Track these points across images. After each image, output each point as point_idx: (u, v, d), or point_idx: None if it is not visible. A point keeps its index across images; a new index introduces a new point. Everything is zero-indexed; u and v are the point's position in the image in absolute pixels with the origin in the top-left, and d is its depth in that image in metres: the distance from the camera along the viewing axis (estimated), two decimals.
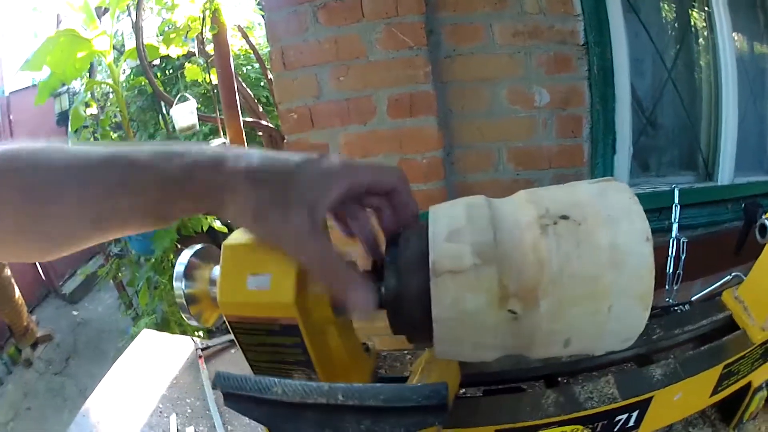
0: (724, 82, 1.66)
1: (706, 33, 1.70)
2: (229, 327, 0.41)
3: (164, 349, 1.31)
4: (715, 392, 0.64)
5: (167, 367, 1.24)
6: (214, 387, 0.35)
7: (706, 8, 1.66)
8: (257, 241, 0.37)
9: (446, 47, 1.40)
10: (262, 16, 1.59)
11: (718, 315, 0.71)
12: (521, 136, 1.46)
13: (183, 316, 0.45)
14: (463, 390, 0.67)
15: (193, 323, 0.45)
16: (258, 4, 2.42)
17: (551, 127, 1.46)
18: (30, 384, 3.38)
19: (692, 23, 1.71)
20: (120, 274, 2.84)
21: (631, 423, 0.59)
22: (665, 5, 1.72)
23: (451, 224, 0.36)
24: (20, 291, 3.51)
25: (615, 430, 0.58)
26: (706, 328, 0.70)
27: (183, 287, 0.42)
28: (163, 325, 2.37)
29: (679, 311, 0.89)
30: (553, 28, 1.41)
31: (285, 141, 1.55)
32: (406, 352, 0.75)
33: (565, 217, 0.34)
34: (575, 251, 0.33)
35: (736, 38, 1.70)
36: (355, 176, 0.37)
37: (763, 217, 0.72)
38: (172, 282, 0.44)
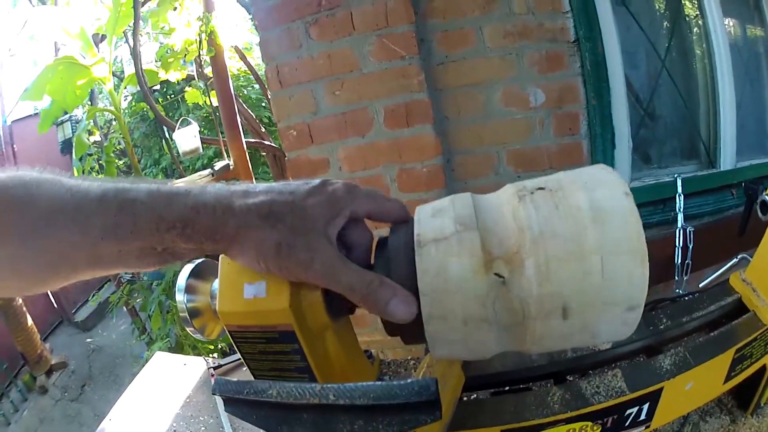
0: (718, 67, 1.66)
1: (697, 20, 1.70)
2: (230, 337, 0.42)
3: (177, 370, 1.33)
4: (728, 378, 0.63)
5: (181, 386, 1.26)
6: (213, 393, 0.36)
7: None
8: (280, 275, 0.37)
9: (438, 54, 1.42)
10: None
11: (726, 299, 0.70)
12: (519, 137, 1.46)
13: (188, 329, 0.46)
14: (474, 395, 0.67)
15: (198, 336, 0.46)
16: (253, 24, 2.46)
17: (548, 126, 1.47)
18: (46, 411, 3.42)
19: (683, 11, 1.71)
20: (132, 300, 2.87)
21: (642, 416, 0.58)
22: None
23: (435, 207, 0.38)
24: (33, 319, 3.56)
25: (627, 424, 0.58)
26: (715, 314, 0.69)
27: (185, 301, 0.44)
28: (177, 348, 2.39)
29: (686, 299, 0.90)
30: (542, 26, 1.42)
31: (286, 159, 1.57)
32: (410, 358, 0.76)
33: (541, 188, 0.36)
34: (554, 212, 0.34)
35: (728, 23, 1.71)
36: (356, 203, 0.38)
37: (764, 193, 0.72)
38: None
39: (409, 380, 0.32)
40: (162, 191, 0.35)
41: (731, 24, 1.76)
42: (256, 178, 2.83)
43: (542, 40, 1.43)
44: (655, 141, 1.76)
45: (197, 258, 0.46)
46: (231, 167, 2.38)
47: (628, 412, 0.57)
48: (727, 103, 1.68)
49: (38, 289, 0.39)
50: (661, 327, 0.68)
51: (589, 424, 0.56)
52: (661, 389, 0.57)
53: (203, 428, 1.13)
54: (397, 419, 0.31)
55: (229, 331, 0.42)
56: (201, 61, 2.18)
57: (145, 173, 3.16)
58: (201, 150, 2.41)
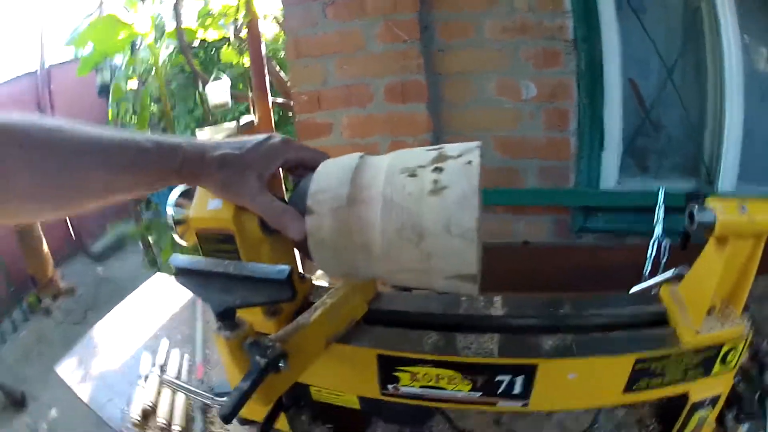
0: (728, 86, 1.68)
1: (713, 35, 1.73)
2: (196, 237, 0.63)
3: (171, 290, 1.63)
4: (629, 389, 0.63)
5: (171, 303, 1.55)
6: (170, 264, 0.56)
7: (712, 8, 1.69)
8: (226, 200, 0.59)
9: (439, 41, 1.61)
10: None
11: (646, 308, 0.68)
12: (508, 126, 1.63)
13: (172, 234, 0.67)
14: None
15: (179, 240, 0.66)
16: None
17: (538, 119, 1.62)
18: (45, 331, 3.66)
19: (699, 24, 1.75)
20: (149, 237, 3.17)
21: (517, 389, 0.62)
22: (669, 7, 1.77)
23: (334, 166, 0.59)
24: (50, 248, 3.83)
25: (499, 392, 0.62)
26: (626, 318, 0.67)
27: (173, 213, 0.65)
28: None
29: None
30: (541, 24, 1.56)
31: (296, 120, 1.82)
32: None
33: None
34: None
35: (745, 41, 1.71)
36: (289, 152, 0.61)
37: (698, 206, 0.64)
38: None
39: (273, 265, 0.50)
40: (165, 145, 0.56)
41: (751, 44, 1.74)
42: None
43: (540, 37, 1.57)
44: (655, 151, 1.82)
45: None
46: (255, 124, 2.64)
47: (499, 378, 0.61)
48: (734, 124, 1.69)
49: (55, 215, 0.54)
50: (561, 312, 0.67)
51: (458, 375, 0.62)
52: (534, 366, 0.60)
53: (179, 336, 1.42)
54: (266, 292, 0.50)
55: (196, 232, 0.63)
56: (237, 24, 2.45)
57: (177, 121, 3.45)
58: (230, 104, 2.67)
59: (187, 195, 0.66)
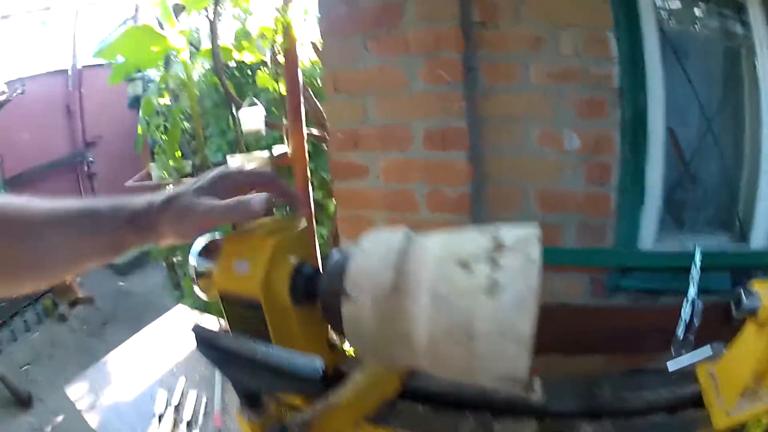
0: (764, 135, 1.65)
1: (750, 81, 1.70)
2: (219, 299, 0.61)
3: (192, 324, 1.63)
4: None
5: (190, 339, 1.55)
6: (192, 330, 0.53)
7: (750, 54, 1.66)
8: (186, 233, 0.57)
9: (483, 84, 1.56)
10: None
11: (684, 388, 0.69)
12: (549, 178, 1.58)
13: (194, 287, 0.64)
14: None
15: (201, 294, 0.64)
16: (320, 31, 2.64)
17: (580, 172, 1.57)
18: (58, 337, 3.69)
19: (738, 74, 1.72)
20: (174, 259, 3.19)
21: None
22: (711, 53, 1.74)
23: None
24: None
25: None
26: (663, 402, 0.69)
27: (196, 264, 0.62)
28: (204, 310, 2.66)
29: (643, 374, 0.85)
30: (587, 71, 1.52)
31: (330, 158, 1.78)
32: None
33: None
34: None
35: None
36: (238, 176, 0.61)
37: (746, 288, 0.65)
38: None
39: (301, 355, 0.47)
40: (116, 204, 0.56)
41: None
42: (314, 169, 3.03)
43: (586, 85, 1.52)
44: (691, 204, 1.78)
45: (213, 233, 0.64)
46: (289, 155, 2.60)
47: None
48: None
49: (28, 288, 0.56)
50: (599, 396, 0.69)
51: None
52: None
53: (197, 376, 1.41)
54: (296, 384, 0.47)
55: (219, 293, 0.60)
56: (275, 49, 2.44)
57: (209, 142, 3.44)
58: (263, 133, 2.64)
59: (212, 247, 0.63)
